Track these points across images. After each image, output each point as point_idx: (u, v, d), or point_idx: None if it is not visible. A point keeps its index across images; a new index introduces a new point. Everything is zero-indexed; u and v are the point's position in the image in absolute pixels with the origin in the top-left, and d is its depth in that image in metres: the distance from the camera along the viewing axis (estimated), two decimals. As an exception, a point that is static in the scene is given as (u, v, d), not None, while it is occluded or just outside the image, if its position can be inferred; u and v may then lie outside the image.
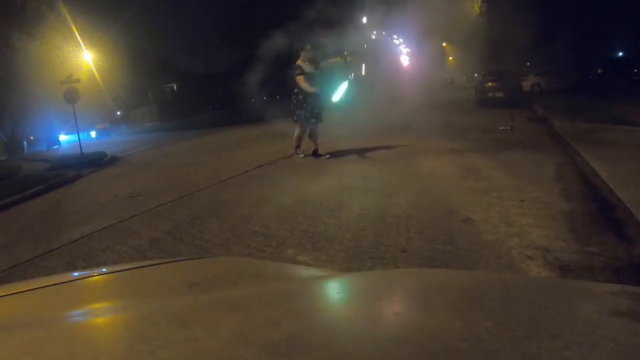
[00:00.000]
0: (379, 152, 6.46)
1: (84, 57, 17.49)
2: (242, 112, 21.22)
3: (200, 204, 4.48)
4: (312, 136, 6.46)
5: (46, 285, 0.91)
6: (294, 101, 6.23)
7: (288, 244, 3.01)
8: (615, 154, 4.62)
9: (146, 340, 0.46)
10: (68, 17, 14.10)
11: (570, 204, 3.28)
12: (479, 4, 22.64)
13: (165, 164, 8.57)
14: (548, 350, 0.39)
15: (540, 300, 0.57)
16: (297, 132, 6.50)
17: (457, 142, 6.59)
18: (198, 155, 9.04)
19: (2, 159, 16.33)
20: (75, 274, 1.17)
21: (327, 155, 6.36)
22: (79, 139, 11.69)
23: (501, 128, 7.81)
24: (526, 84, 17.77)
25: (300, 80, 6.09)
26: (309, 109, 6.17)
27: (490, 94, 14.06)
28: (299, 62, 6.20)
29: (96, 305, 0.78)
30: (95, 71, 19.71)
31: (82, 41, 16.21)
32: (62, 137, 24.58)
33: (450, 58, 43.59)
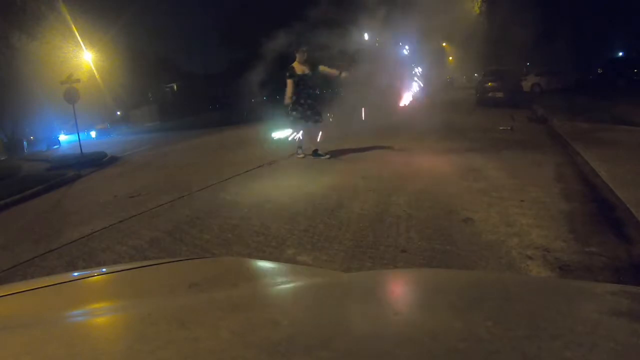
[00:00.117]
0: (379, 152, 6.47)
1: (84, 57, 17.48)
2: (242, 112, 21.23)
3: (200, 204, 4.48)
4: (312, 136, 6.47)
5: (46, 285, 0.91)
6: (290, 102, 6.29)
7: (288, 244, 3.01)
8: (615, 154, 4.62)
9: (146, 340, 0.46)
10: (68, 17, 14.10)
11: (570, 204, 3.28)
12: (479, 4, 22.63)
13: (166, 164, 8.57)
14: (548, 350, 0.39)
15: (540, 300, 0.57)
16: (297, 132, 6.53)
17: (457, 142, 6.59)
18: (198, 155, 9.04)
19: (2, 159, 16.33)
20: (75, 274, 1.17)
21: (327, 155, 6.36)
22: (79, 139, 11.69)
23: (501, 128, 7.81)
24: (526, 84, 17.77)
25: (288, 84, 6.19)
26: (300, 110, 6.23)
27: (490, 94, 14.06)
28: (294, 63, 6.22)
29: (96, 305, 0.78)
30: (95, 71, 19.71)
31: (82, 41, 16.21)
32: (62, 137, 24.57)
33: (450, 58, 43.58)
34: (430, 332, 0.44)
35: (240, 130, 14.05)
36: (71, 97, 10.78)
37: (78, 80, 11.24)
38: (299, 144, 6.60)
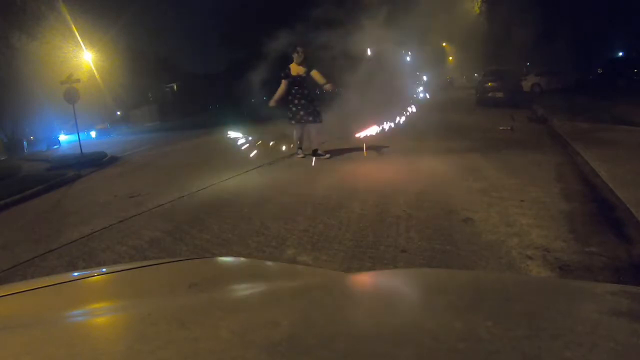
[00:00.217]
0: (379, 151, 6.47)
1: (84, 57, 17.49)
2: (242, 112, 21.23)
3: (200, 204, 4.48)
4: (311, 136, 6.48)
5: (46, 285, 0.91)
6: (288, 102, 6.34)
7: (288, 244, 3.01)
8: (615, 154, 4.62)
9: (146, 340, 0.46)
10: (68, 17, 14.10)
11: (570, 204, 3.28)
12: (479, 4, 22.64)
13: (165, 164, 8.57)
14: (548, 350, 0.39)
15: (540, 300, 0.57)
16: (295, 132, 6.54)
17: (457, 142, 6.59)
18: (198, 155, 9.04)
19: (2, 159, 16.32)
20: (75, 274, 1.17)
21: (327, 155, 6.37)
22: (79, 139, 11.69)
23: (501, 128, 7.81)
24: (526, 84, 17.77)
25: (281, 85, 6.26)
26: (294, 111, 6.30)
27: (490, 94, 14.06)
28: (292, 64, 6.27)
29: (96, 305, 0.78)
30: (95, 71, 19.72)
31: (82, 41, 16.22)
32: (62, 137, 24.56)
33: (450, 58, 43.63)
34: (430, 332, 0.44)
35: (240, 131, 14.04)
36: (71, 97, 10.79)
37: (78, 80, 11.24)
38: (298, 145, 6.61)
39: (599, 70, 20.52)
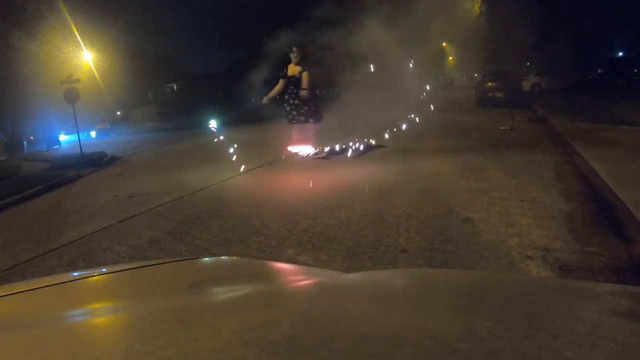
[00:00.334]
0: (379, 151, 6.47)
1: (84, 57, 17.47)
2: (242, 112, 21.23)
3: (200, 204, 4.48)
4: (313, 136, 6.49)
5: (46, 285, 0.91)
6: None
7: (288, 244, 3.01)
8: (615, 154, 4.63)
9: (146, 340, 0.46)
10: (68, 17, 14.10)
11: (570, 204, 3.28)
12: (479, 4, 22.64)
13: (166, 164, 8.57)
14: (548, 350, 0.39)
15: (540, 300, 0.57)
16: (294, 132, 6.57)
17: (457, 142, 6.59)
18: (198, 155, 9.03)
19: (2, 159, 16.32)
20: (75, 274, 1.17)
21: (325, 153, 6.38)
22: (79, 139, 11.69)
23: (501, 128, 7.81)
24: (526, 84, 17.77)
25: (279, 83, 6.30)
26: (287, 110, 6.39)
27: (490, 94, 14.06)
28: (290, 64, 6.31)
29: (96, 305, 0.78)
30: (95, 71, 19.70)
31: (82, 41, 16.20)
32: (62, 137, 24.54)
33: (450, 58, 43.61)
34: (430, 332, 0.44)
35: (240, 131, 14.05)
36: (71, 97, 10.78)
37: (78, 80, 11.24)
38: (299, 144, 6.61)
39: (599, 70, 20.52)
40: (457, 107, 13.66)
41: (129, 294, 0.86)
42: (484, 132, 7.65)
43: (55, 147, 21.58)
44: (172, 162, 8.70)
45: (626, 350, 0.40)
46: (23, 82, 15.42)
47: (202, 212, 4.14)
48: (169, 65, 34.38)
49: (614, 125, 6.98)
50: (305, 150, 6.43)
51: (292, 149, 6.35)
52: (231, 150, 7.19)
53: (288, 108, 6.35)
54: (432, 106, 11.21)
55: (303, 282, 0.84)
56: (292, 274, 1.00)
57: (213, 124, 7.52)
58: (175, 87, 36.01)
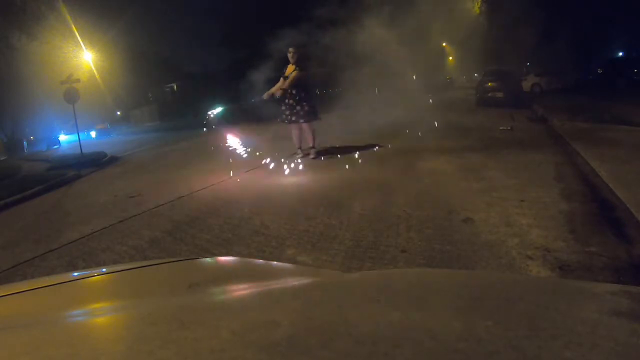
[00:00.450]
0: (379, 151, 6.47)
1: (84, 57, 17.50)
2: (243, 111, 21.23)
3: (200, 204, 4.48)
4: (305, 136, 6.51)
5: (46, 285, 0.91)
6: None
7: (288, 244, 3.01)
8: (615, 154, 4.62)
9: (146, 340, 0.46)
10: (68, 17, 14.11)
11: (570, 204, 3.28)
12: (479, 4, 22.64)
13: (166, 164, 8.57)
14: (548, 350, 0.39)
15: (540, 300, 0.57)
16: (293, 132, 6.59)
17: (457, 142, 6.59)
18: (198, 155, 9.04)
19: (2, 159, 16.32)
20: (75, 274, 1.17)
21: (327, 155, 6.38)
22: (79, 139, 11.69)
23: (501, 128, 7.81)
24: (526, 84, 17.78)
25: (279, 82, 6.33)
26: (282, 109, 6.38)
27: (490, 94, 14.06)
28: (290, 64, 6.34)
29: (96, 305, 0.78)
30: (95, 71, 19.73)
31: (82, 41, 16.22)
32: (62, 137, 24.57)
33: (450, 58, 43.62)
34: (430, 332, 0.44)
35: (239, 131, 14.06)
36: (71, 97, 10.79)
37: (78, 80, 11.25)
38: (298, 144, 6.62)
39: (599, 70, 20.52)
40: (457, 107, 13.65)
41: (129, 294, 0.86)
42: (483, 132, 7.65)
43: (55, 147, 21.61)
44: (172, 162, 8.70)
45: (626, 350, 0.40)
46: (23, 82, 15.44)
47: (202, 212, 4.14)
48: (169, 65, 34.42)
49: (614, 125, 6.98)
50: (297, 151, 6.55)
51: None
52: (231, 150, 7.19)
53: (283, 107, 6.40)
54: (431, 106, 11.22)
55: (303, 282, 0.84)
56: (292, 274, 1.00)
57: (213, 113, 7.53)
58: (175, 87, 36.02)
